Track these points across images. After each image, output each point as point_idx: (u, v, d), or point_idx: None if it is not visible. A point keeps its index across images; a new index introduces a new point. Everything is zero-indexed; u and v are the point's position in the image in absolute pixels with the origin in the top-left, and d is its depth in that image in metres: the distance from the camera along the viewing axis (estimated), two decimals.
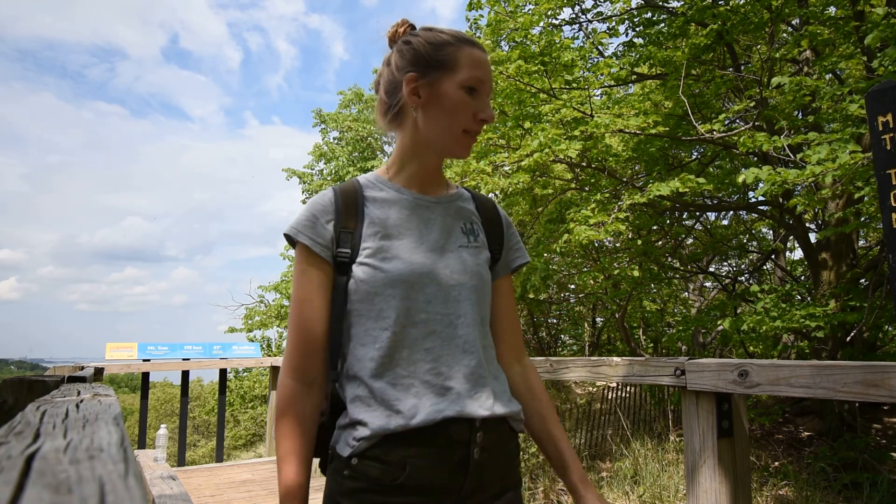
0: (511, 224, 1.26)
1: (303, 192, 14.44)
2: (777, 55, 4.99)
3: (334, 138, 15.02)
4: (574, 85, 5.51)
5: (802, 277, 7.41)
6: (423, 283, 1.04)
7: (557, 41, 5.29)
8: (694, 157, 7.44)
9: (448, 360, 1.03)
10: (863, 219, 4.82)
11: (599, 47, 6.35)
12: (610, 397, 6.43)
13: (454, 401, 1.01)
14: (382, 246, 1.06)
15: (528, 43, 5.33)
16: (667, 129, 5.03)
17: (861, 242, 7.30)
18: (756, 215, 7.37)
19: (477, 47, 1.12)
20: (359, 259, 1.06)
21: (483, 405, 1.04)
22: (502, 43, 6.21)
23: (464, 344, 1.05)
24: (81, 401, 0.84)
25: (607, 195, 5.34)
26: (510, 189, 6.58)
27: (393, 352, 1.02)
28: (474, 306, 1.08)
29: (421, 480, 0.97)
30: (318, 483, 5.23)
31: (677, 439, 4.99)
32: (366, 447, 0.98)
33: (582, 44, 6.15)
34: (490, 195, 5.55)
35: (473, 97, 1.09)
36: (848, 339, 4.88)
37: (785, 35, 6.06)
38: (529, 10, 5.68)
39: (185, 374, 6.67)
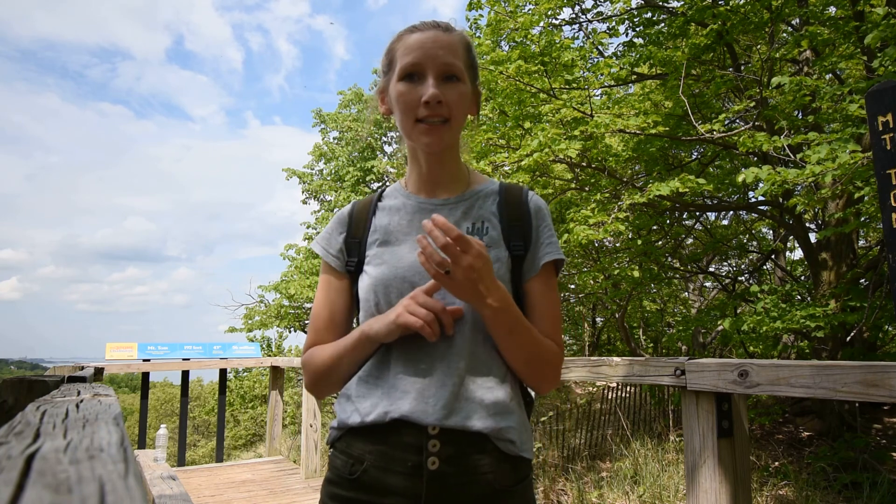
0: (545, 217, 1.11)
1: (303, 192, 14.43)
2: (777, 55, 4.99)
3: (334, 138, 15.02)
4: (574, 85, 5.50)
5: (802, 277, 7.41)
6: (403, 287, 1.03)
7: (557, 41, 5.29)
8: (694, 157, 7.44)
9: (419, 366, 1.00)
10: (863, 219, 4.82)
11: (599, 47, 6.35)
12: (610, 397, 6.43)
13: (406, 405, 0.98)
14: (378, 252, 1.10)
15: (528, 43, 5.33)
16: (667, 129, 5.03)
17: (861, 242, 7.30)
18: (756, 215, 7.37)
19: (418, 31, 1.06)
20: (363, 267, 1.12)
21: (436, 413, 0.96)
22: (502, 43, 6.21)
23: (440, 350, 1.00)
24: (81, 401, 0.84)
25: (607, 195, 5.34)
26: None
27: (382, 354, 1.06)
28: (463, 313, 1.02)
29: (376, 479, 0.98)
30: (318, 483, 5.24)
31: (677, 439, 4.99)
32: (336, 437, 1.06)
33: (582, 44, 6.14)
34: None
35: (416, 83, 1.03)
36: (848, 339, 4.88)
37: (785, 35, 6.05)
38: (529, 10, 5.68)
39: (185, 374, 6.67)
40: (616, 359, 2.08)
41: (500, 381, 1.02)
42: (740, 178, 3.72)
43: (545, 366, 1.04)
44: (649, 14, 5.98)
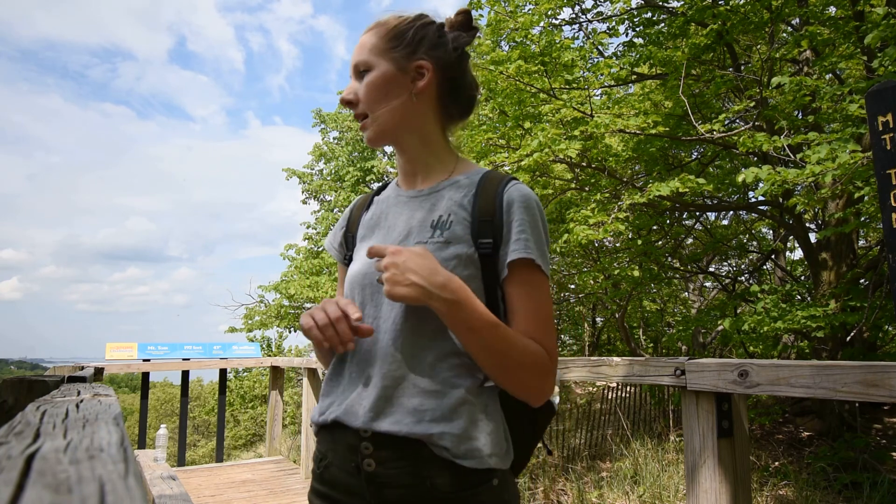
0: (519, 210, 0.98)
1: (303, 192, 14.43)
2: (777, 55, 4.99)
3: (334, 138, 15.02)
4: (574, 85, 5.51)
5: (802, 277, 7.41)
6: (363, 283, 1.04)
7: (557, 41, 5.29)
8: (694, 157, 7.44)
9: (364, 365, 1.00)
10: (863, 219, 4.82)
11: (599, 47, 6.35)
12: (610, 397, 6.43)
13: (342, 407, 0.99)
14: (358, 247, 1.12)
15: (528, 43, 5.33)
16: (667, 129, 5.03)
17: (861, 242, 7.30)
18: (756, 215, 7.37)
19: (365, 31, 1.08)
20: None
21: (364, 416, 0.95)
22: (502, 43, 6.21)
23: (381, 350, 0.98)
24: (81, 401, 0.84)
25: (607, 195, 5.34)
26: None
27: (342, 353, 1.07)
28: (405, 309, 0.97)
29: (334, 475, 1.01)
30: None
31: (677, 439, 4.99)
32: (315, 431, 1.09)
33: (582, 44, 6.14)
34: None
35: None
36: (848, 339, 4.88)
37: (785, 35, 6.05)
38: (529, 10, 5.68)
39: (185, 374, 6.67)
40: (616, 359, 2.08)
41: (445, 386, 0.94)
42: (740, 178, 3.72)
43: (523, 371, 0.93)
44: (649, 14, 5.98)
